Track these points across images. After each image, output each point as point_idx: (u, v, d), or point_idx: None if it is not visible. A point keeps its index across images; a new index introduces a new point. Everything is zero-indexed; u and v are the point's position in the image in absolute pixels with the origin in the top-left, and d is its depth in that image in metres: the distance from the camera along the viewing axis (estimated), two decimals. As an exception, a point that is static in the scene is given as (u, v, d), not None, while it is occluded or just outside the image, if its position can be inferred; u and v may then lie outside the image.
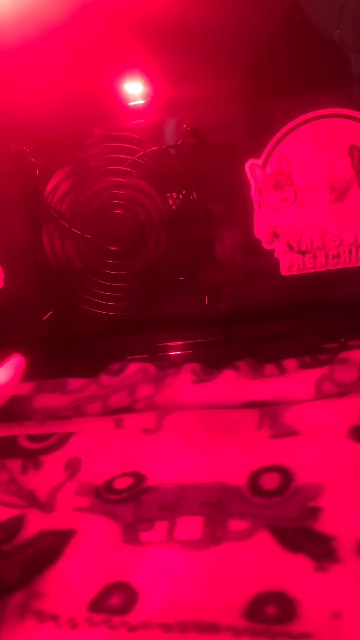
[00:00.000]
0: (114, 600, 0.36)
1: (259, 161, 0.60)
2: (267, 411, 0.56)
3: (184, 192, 0.62)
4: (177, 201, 0.62)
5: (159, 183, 0.62)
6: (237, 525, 0.42)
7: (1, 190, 0.62)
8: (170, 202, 0.63)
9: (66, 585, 0.37)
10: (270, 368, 0.65)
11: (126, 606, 0.35)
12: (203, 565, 0.38)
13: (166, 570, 0.38)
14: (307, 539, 0.39)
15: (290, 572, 0.37)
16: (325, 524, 0.40)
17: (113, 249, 0.63)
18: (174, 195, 0.62)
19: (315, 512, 0.42)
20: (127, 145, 0.60)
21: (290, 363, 0.64)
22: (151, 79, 0.59)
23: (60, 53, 0.59)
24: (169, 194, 0.62)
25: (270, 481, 0.46)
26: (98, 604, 0.36)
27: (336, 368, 0.58)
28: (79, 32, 0.58)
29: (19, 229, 0.63)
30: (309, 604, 0.34)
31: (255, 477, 0.47)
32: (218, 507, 0.44)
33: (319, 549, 0.38)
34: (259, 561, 0.38)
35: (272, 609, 0.34)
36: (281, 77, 0.59)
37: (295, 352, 0.64)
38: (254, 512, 0.43)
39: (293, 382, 0.59)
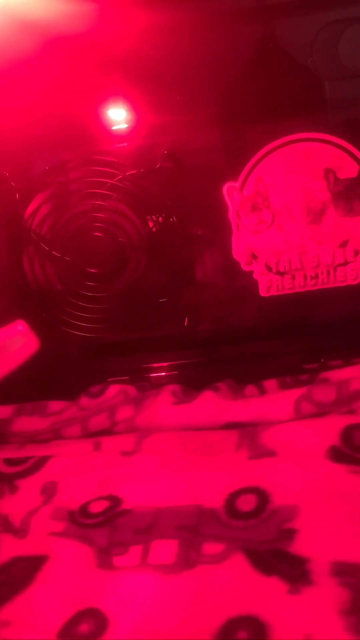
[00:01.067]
0: (83, 627, 0.35)
1: (237, 184, 0.61)
2: (246, 432, 0.55)
3: (163, 214, 0.63)
4: (157, 224, 0.63)
5: (138, 206, 0.62)
6: (211, 548, 0.41)
7: (-19, 216, 0.62)
8: (150, 224, 0.63)
9: (35, 612, 0.37)
10: (250, 389, 0.65)
11: (95, 633, 0.35)
12: (176, 590, 0.38)
13: (138, 595, 0.38)
14: (281, 561, 0.39)
15: (263, 595, 0.36)
16: (300, 546, 0.40)
17: (93, 271, 0.63)
18: (154, 217, 0.63)
19: (290, 533, 0.41)
20: (107, 169, 0.61)
21: (270, 384, 0.64)
22: (130, 105, 0.61)
23: (41, 79, 0.60)
24: (148, 217, 0.63)
25: (246, 503, 0.45)
26: (67, 631, 0.35)
27: (315, 388, 0.58)
28: (59, 61, 0.60)
29: (2, 254, 0.64)
30: (281, 628, 0.33)
31: (232, 499, 0.46)
32: (194, 530, 0.43)
33: (294, 571, 0.38)
34: (232, 585, 0.38)
35: (244, 634, 0.33)
36: (257, 103, 0.60)
37: (275, 373, 0.64)
38: (229, 535, 0.42)
39: (272, 402, 0.59)
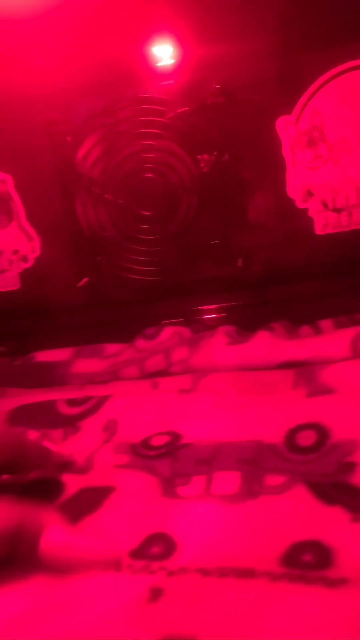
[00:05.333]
0: (154, 549, 0.37)
1: (291, 118, 0.59)
2: (303, 371, 0.56)
3: (215, 153, 0.61)
4: (209, 163, 0.62)
5: (189, 145, 0.61)
6: (273, 480, 0.42)
7: (33, 160, 0.63)
8: (202, 164, 0.62)
9: (104, 535, 0.39)
10: (305, 329, 0.64)
11: (165, 554, 0.36)
12: (240, 517, 0.39)
13: (204, 522, 0.39)
14: (343, 493, 0.39)
15: (326, 523, 0.37)
16: (361, 478, 0.40)
17: (145, 213, 0.63)
18: (205, 157, 0.62)
19: (351, 466, 0.42)
20: (157, 107, 0.60)
21: (326, 323, 0.64)
22: (178, 39, 0.59)
23: (85, 19, 0.59)
24: (200, 156, 0.62)
25: (306, 438, 0.46)
26: (138, 552, 0.37)
27: (374, 327, 0.57)
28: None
29: (53, 198, 0.64)
30: (345, 553, 0.34)
31: (291, 434, 0.47)
32: (254, 463, 0.44)
33: (355, 501, 0.38)
34: (296, 513, 0.39)
35: (309, 557, 0.34)
36: (311, 29, 0.57)
37: (331, 313, 0.64)
38: (290, 468, 0.43)
39: (328, 341, 0.58)
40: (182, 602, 0.34)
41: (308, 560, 0.34)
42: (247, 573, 0.34)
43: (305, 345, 0.59)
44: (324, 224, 0.62)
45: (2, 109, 0.60)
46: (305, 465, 0.44)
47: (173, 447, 0.48)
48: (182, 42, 0.58)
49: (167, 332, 0.66)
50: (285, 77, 0.59)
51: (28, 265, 0.67)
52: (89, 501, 0.43)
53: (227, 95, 0.59)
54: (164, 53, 0.59)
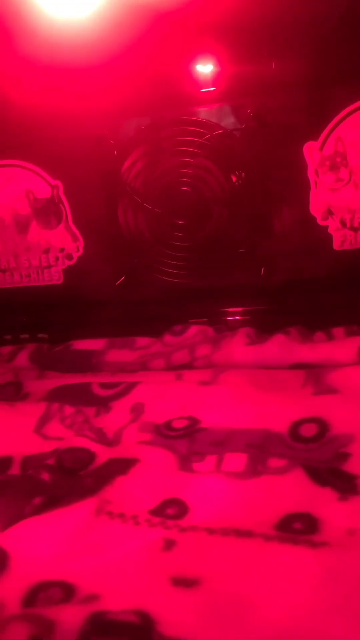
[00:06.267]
0: (170, 510, 0.44)
1: (317, 144, 0.65)
2: (312, 372, 0.62)
3: (246, 171, 0.68)
4: (240, 179, 0.68)
5: (223, 163, 0.68)
6: (276, 462, 0.48)
7: (83, 169, 0.70)
8: (234, 179, 0.69)
9: (129, 496, 0.46)
10: (319, 335, 0.70)
11: (179, 514, 0.43)
12: (244, 491, 0.46)
13: (213, 492, 0.46)
14: (335, 477, 0.46)
15: (318, 500, 0.43)
16: (352, 466, 0.46)
17: (180, 222, 0.70)
18: (237, 173, 0.69)
19: (345, 456, 0.48)
20: (196, 129, 0.66)
21: (338, 331, 0.70)
22: (218, 68, 0.65)
23: (136, 43, 0.66)
24: (232, 173, 0.69)
25: (308, 430, 0.52)
26: (156, 511, 0.44)
27: (379, 337, 0.63)
28: (154, 30, 0.64)
29: (97, 203, 0.72)
30: (330, 523, 0.40)
31: (295, 426, 0.53)
32: (261, 447, 0.51)
33: (345, 484, 0.44)
34: (292, 491, 0.45)
35: (299, 525, 0.41)
36: (340, 64, 0.63)
37: (343, 321, 0.69)
38: (292, 454, 0.50)
39: (337, 347, 0.64)
40: (190, 552, 0.41)
41: (298, 527, 0.41)
42: (246, 534, 0.41)
43: (316, 350, 0.65)
44: (341, 240, 0.68)
45: (58, 124, 0.67)
46: (306, 452, 0.50)
47: (191, 430, 0.55)
48: (220, 70, 0.65)
49: (193, 330, 0.72)
50: (314, 107, 0.65)
51: (72, 262, 0.74)
52: (117, 468, 0.50)
53: (260, 120, 0.65)
54: (204, 80, 0.66)
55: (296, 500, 0.44)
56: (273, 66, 0.64)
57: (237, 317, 0.73)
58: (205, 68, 0.65)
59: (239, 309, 0.74)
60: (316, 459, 0.49)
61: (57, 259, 0.75)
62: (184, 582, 0.37)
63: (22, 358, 0.75)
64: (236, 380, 0.63)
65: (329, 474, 0.47)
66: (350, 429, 0.51)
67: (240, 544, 0.40)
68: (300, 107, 0.65)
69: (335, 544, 0.38)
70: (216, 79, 0.66)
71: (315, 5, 0.62)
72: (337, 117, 0.64)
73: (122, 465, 0.51)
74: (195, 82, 0.66)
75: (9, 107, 0.66)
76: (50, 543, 0.41)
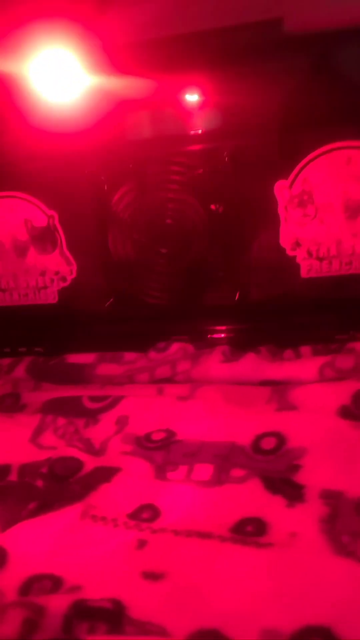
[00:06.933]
0: (144, 514, 0.52)
1: (287, 183, 0.72)
2: (277, 389, 0.69)
3: (223, 205, 0.75)
4: (218, 213, 0.76)
5: (203, 198, 0.75)
6: (237, 472, 0.56)
7: (76, 201, 0.77)
8: (212, 213, 0.76)
9: (111, 502, 0.54)
10: (288, 352, 0.78)
11: (152, 518, 0.51)
12: (208, 497, 0.54)
13: (182, 499, 0.54)
14: (286, 486, 0.53)
15: (269, 506, 0.51)
16: (302, 477, 0.54)
17: (163, 250, 0.78)
18: (215, 208, 0.76)
19: (297, 468, 0.56)
20: (178, 169, 0.73)
21: (305, 349, 0.77)
22: (198, 115, 0.72)
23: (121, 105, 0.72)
24: (211, 207, 0.76)
25: (268, 443, 0.60)
26: (133, 515, 0.52)
27: (338, 357, 0.71)
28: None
29: (89, 232, 0.79)
30: (276, 527, 0.48)
31: (258, 439, 0.61)
32: (226, 459, 0.58)
33: (294, 493, 0.52)
34: (248, 498, 0.53)
35: (250, 528, 0.49)
36: (308, 114, 0.70)
37: (311, 341, 0.77)
38: (252, 465, 0.57)
39: (302, 366, 0.72)
40: (158, 551, 0.49)
41: (249, 530, 0.49)
42: (206, 535, 0.49)
43: (283, 368, 0.72)
44: (308, 269, 0.75)
45: (55, 162, 0.74)
46: (264, 463, 0.58)
47: (168, 442, 0.63)
48: (199, 117, 0.72)
49: (175, 347, 0.80)
50: (284, 151, 0.72)
51: (66, 284, 0.82)
52: (102, 476, 0.58)
53: (235, 161, 0.72)
54: (185, 125, 0.73)
55: (251, 507, 0.52)
56: (246, 113, 0.71)
57: (215, 335, 0.81)
58: (185, 114, 0.72)
59: (217, 328, 0.81)
60: (272, 469, 0.57)
61: (52, 280, 0.82)
62: (152, 576, 0.45)
63: (20, 370, 0.83)
64: (210, 396, 0.71)
65: (281, 483, 0.55)
66: (304, 443, 0.59)
67: (201, 544, 0.48)
68: (272, 151, 0.72)
69: (278, 545, 0.46)
70: (195, 125, 0.73)
71: (287, 61, 0.70)
72: (305, 160, 0.71)
73: (106, 474, 0.59)
74: (177, 126, 0.73)
75: (11, 147, 0.74)
76: (43, 542, 0.49)
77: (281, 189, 0.72)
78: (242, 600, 0.42)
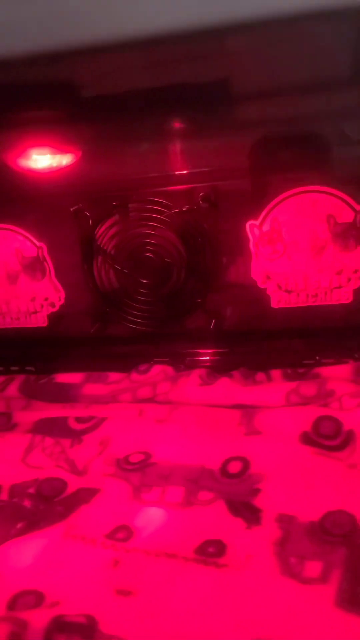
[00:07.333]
0: (120, 534, 0.59)
1: (257, 222, 0.78)
2: (247, 413, 0.75)
3: (199, 240, 0.81)
4: (195, 247, 0.82)
5: (180, 234, 0.81)
6: (204, 495, 0.63)
7: (63, 234, 0.83)
8: (190, 247, 0.82)
9: (91, 521, 0.60)
10: (260, 375, 0.84)
11: (126, 538, 0.58)
12: (177, 519, 0.60)
13: (154, 520, 0.61)
14: (246, 509, 0.60)
15: (230, 529, 0.57)
16: (260, 501, 0.60)
17: (144, 281, 0.84)
18: (192, 243, 0.82)
19: (257, 492, 0.62)
20: (157, 208, 0.79)
21: (276, 373, 0.84)
22: (177, 158, 0.78)
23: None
24: (188, 242, 0.82)
25: (235, 467, 0.66)
26: (110, 535, 0.58)
27: (303, 384, 0.77)
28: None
29: (76, 262, 0.85)
30: (234, 549, 0.55)
31: (226, 463, 0.67)
32: (195, 482, 0.65)
33: (252, 516, 0.59)
34: (212, 520, 0.59)
35: (212, 549, 0.55)
36: (275, 159, 0.76)
37: (281, 365, 0.83)
38: (218, 488, 0.64)
39: (269, 391, 0.78)
40: (130, 569, 0.55)
41: (211, 551, 0.55)
42: (172, 555, 0.55)
43: (253, 392, 0.79)
44: (278, 300, 0.81)
45: (44, 199, 0.80)
46: (229, 487, 0.64)
47: (144, 464, 0.69)
48: (178, 160, 0.77)
49: (156, 369, 0.86)
50: (255, 193, 0.78)
51: (55, 309, 0.88)
52: (83, 497, 0.65)
53: (211, 202, 0.78)
54: (165, 168, 0.78)
55: (214, 529, 0.58)
56: (221, 158, 0.76)
57: (193, 359, 0.87)
58: (164, 158, 0.78)
59: (196, 351, 0.87)
60: (236, 492, 0.63)
61: (42, 306, 0.88)
62: (124, 592, 0.52)
63: (13, 388, 0.89)
64: (186, 418, 0.77)
65: (242, 506, 0.61)
66: (265, 468, 0.66)
67: (167, 564, 0.54)
68: (243, 192, 0.78)
69: (234, 566, 0.53)
70: (174, 168, 0.78)
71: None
72: (274, 201, 0.76)
73: (87, 494, 0.65)
74: (158, 167, 0.79)
75: (3, 185, 0.79)
76: (28, 560, 0.56)
77: (252, 228, 0.78)
78: (198, 616, 0.49)
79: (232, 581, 0.51)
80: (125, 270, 0.84)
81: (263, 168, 0.76)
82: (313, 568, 0.51)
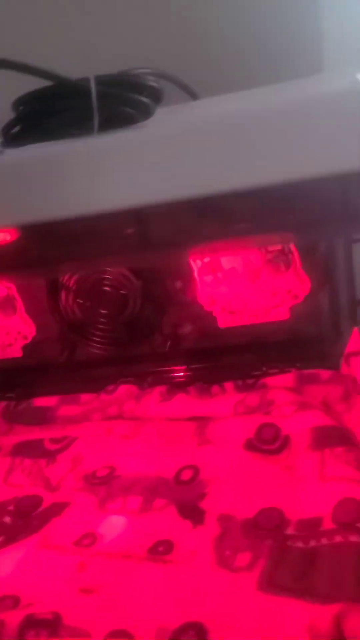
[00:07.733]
0: (85, 541, 0.68)
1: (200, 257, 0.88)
2: (200, 424, 0.85)
3: (151, 273, 0.91)
4: (148, 279, 0.91)
5: (135, 269, 0.90)
6: (159, 502, 0.72)
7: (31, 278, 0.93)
8: (143, 279, 0.92)
9: (61, 531, 0.70)
10: (215, 388, 0.94)
11: (91, 544, 0.68)
12: (135, 525, 0.70)
13: (117, 526, 0.70)
14: (193, 512, 0.70)
15: (178, 530, 0.67)
16: (205, 504, 0.70)
17: (104, 311, 0.93)
18: (144, 275, 0.91)
19: (203, 495, 0.72)
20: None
21: (228, 385, 0.93)
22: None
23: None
24: (142, 274, 0.91)
25: (186, 475, 0.76)
26: (77, 542, 0.68)
27: (249, 395, 0.87)
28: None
29: (43, 298, 0.94)
30: (181, 547, 0.64)
31: (179, 472, 0.77)
32: (152, 491, 0.75)
33: (198, 517, 0.68)
34: (164, 523, 0.69)
35: (162, 548, 0.65)
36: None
37: (232, 377, 0.93)
38: (171, 495, 0.73)
39: (221, 402, 0.88)
40: (94, 571, 0.65)
41: (160, 550, 0.65)
42: (128, 556, 0.65)
43: (206, 405, 0.89)
44: (224, 320, 0.91)
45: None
46: (181, 493, 0.74)
47: (110, 478, 0.79)
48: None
49: (122, 389, 0.96)
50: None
51: (27, 341, 0.98)
52: (55, 511, 0.75)
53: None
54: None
55: (165, 530, 0.68)
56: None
57: (154, 378, 0.97)
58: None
59: (156, 370, 0.97)
60: (186, 498, 0.73)
61: (15, 339, 0.98)
62: (86, 591, 0.61)
63: (-4, 415, 0.99)
64: (148, 433, 0.87)
65: (190, 509, 0.71)
66: (212, 474, 0.75)
67: (124, 564, 0.64)
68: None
69: (178, 561, 0.63)
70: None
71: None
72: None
73: (59, 508, 0.75)
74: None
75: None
76: (8, 569, 0.66)
77: (195, 260, 0.88)
78: (147, 607, 0.58)
79: (176, 574, 0.61)
80: (86, 303, 0.93)
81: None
82: (243, 558, 0.61)
